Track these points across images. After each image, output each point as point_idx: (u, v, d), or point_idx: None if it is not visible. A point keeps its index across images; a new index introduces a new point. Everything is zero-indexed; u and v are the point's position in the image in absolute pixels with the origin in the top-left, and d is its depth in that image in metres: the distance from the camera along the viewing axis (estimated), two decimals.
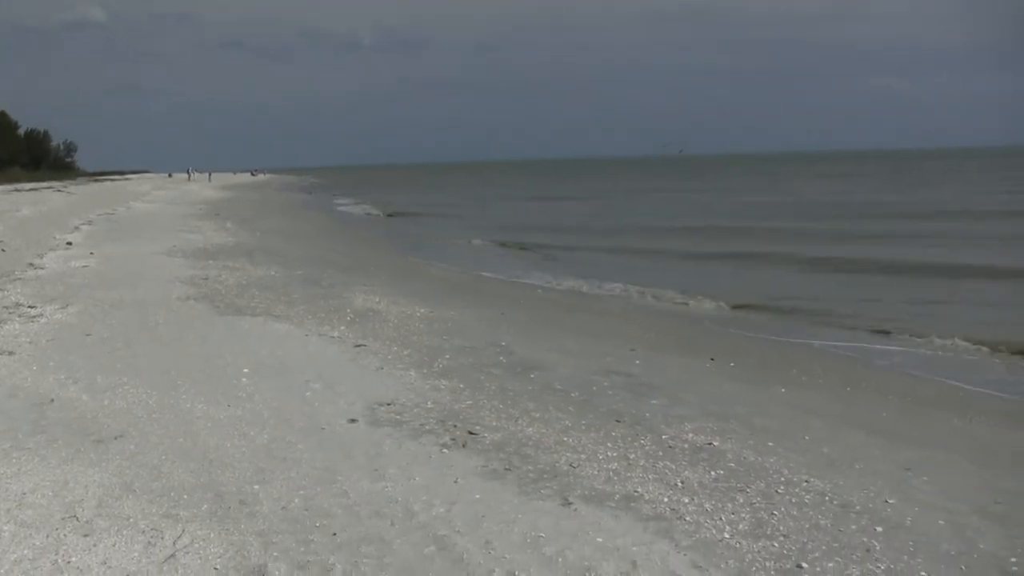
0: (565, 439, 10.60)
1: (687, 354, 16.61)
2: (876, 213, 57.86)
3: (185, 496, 8.62)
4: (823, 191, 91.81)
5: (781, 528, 8.22)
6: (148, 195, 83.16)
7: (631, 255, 37.34)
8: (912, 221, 49.47)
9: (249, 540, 7.66)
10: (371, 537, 7.77)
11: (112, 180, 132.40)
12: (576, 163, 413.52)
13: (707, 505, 8.70)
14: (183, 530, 7.83)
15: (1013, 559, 7.77)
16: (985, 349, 18.09)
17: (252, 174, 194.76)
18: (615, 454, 10.12)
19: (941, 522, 8.55)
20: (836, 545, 7.90)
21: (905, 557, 7.71)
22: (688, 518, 8.36)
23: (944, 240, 39.23)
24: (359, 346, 15.41)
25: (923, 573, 7.42)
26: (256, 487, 8.88)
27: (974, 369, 16.60)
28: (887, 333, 20.06)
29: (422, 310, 19.57)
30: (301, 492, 8.77)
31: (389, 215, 65.99)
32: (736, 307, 23.99)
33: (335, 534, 7.82)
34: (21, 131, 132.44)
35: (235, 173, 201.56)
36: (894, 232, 43.78)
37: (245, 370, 13.51)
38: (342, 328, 17.06)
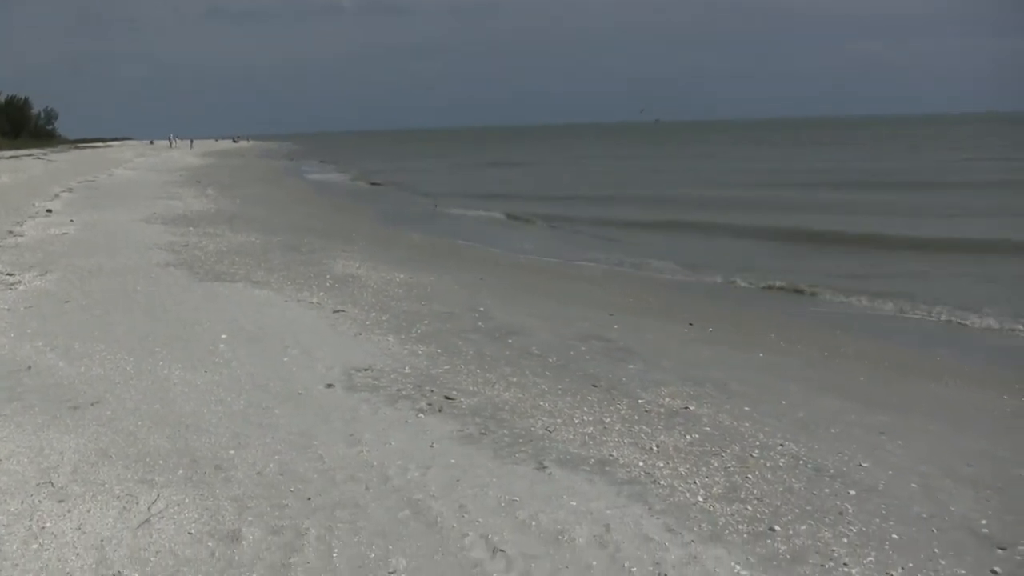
0: (541, 403, 10.63)
1: (665, 319, 16.63)
2: (857, 181, 57.93)
3: (160, 461, 8.63)
4: (803, 157, 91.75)
5: (755, 491, 8.26)
6: (129, 162, 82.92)
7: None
8: (887, 191, 49.44)
9: (224, 505, 7.69)
10: (346, 502, 7.79)
11: (93, 147, 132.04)
12: (558, 128, 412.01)
13: (682, 469, 8.74)
14: (158, 495, 7.85)
15: (983, 521, 7.82)
16: (960, 318, 18.16)
17: (234, 141, 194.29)
18: (591, 418, 10.15)
19: (913, 485, 8.60)
20: (809, 508, 7.95)
21: (877, 520, 7.76)
22: (662, 482, 8.40)
23: (924, 210, 39.20)
24: (338, 312, 15.42)
25: (894, 536, 7.46)
26: (232, 452, 8.90)
27: (949, 337, 16.65)
28: (865, 301, 20.10)
29: (401, 276, 19.57)
30: (277, 457, 8.79)
31: (372, 183, 65.78)
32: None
33: (310, 499, 7.84)
34: (0, 98, 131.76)
35: (217, 140, 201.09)
36: (876, 202, 43.75)
37: (223, 336, 13.52)
38: (321, 294, 17.06)
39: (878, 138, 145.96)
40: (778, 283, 21.76)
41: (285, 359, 12.38)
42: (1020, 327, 17.00)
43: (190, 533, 7.16)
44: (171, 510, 7.57)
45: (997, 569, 6.95)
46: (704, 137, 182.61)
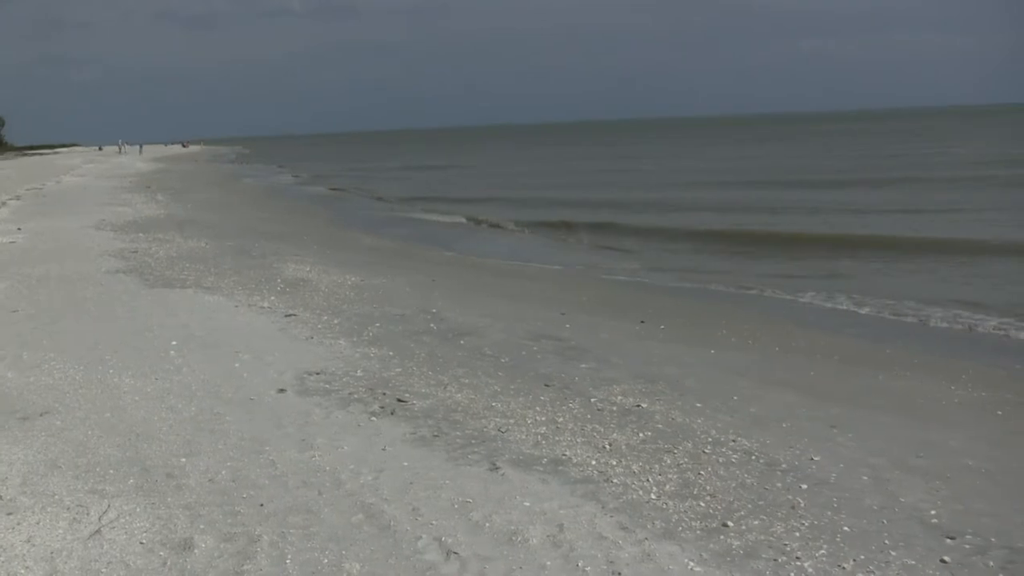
0: (494, 404, 10.63)
1: (617, 317, 16.67)
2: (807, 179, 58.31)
3: (111, 471, 8.57)
4: (749, 155, 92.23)
5: (708, 488, 8.29)
6: (78, 169, 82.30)
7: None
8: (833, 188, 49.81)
9: (176, 513, 7.64)
10: (298, 507, 7.76)
11: (41, 154, 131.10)
12: (504, 129, 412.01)
13: (635, 467, 8.75)
14: (109, 505, 7.79)
15: (933, 511, 7.88)
16: (909, 309, 18.36)
17: (183, 145, 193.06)
18: (544, 418, 10.16)
19: (864, 477, 8.66)
20: (762, 503, 7.98)
21: (829, 513, 7.81)
22: (616, 480, 8.41)
23: (863, 208, 39.47)
24: (289, 316, 15.37)
25: (846, 528, 7.51)
26: (183, 460, 8.84)
27: (899, 329, 16.80)
28: (817, 295, 20.27)
29: (353, 278, 19.52)
30: (229, 464, 8.75)
31: (322, 186, 65.54)
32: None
33: (262, 505, 7.81)
34: None
35: (166, 145, 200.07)
36: (837, 199, 44.07)
37: (174, 343, 13.45)
38: (272, 298, 17.00)
39: (828, 134, 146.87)
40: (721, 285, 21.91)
41: (236, 364, 12.32)
42: (965, 316, 17.19)
43: (142, 543, 7.11)
44: (122, 520, 7.51)
45: (946, 558, 7.00)
46: (664, 135, 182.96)
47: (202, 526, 7.40)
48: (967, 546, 7.24)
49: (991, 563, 6.97)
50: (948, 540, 7.33)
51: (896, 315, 17.95)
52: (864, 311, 18.50)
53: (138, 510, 7.71)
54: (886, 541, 7.28)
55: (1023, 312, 17.54)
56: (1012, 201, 38.51)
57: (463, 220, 39.25)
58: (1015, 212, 35.12)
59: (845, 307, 18.89)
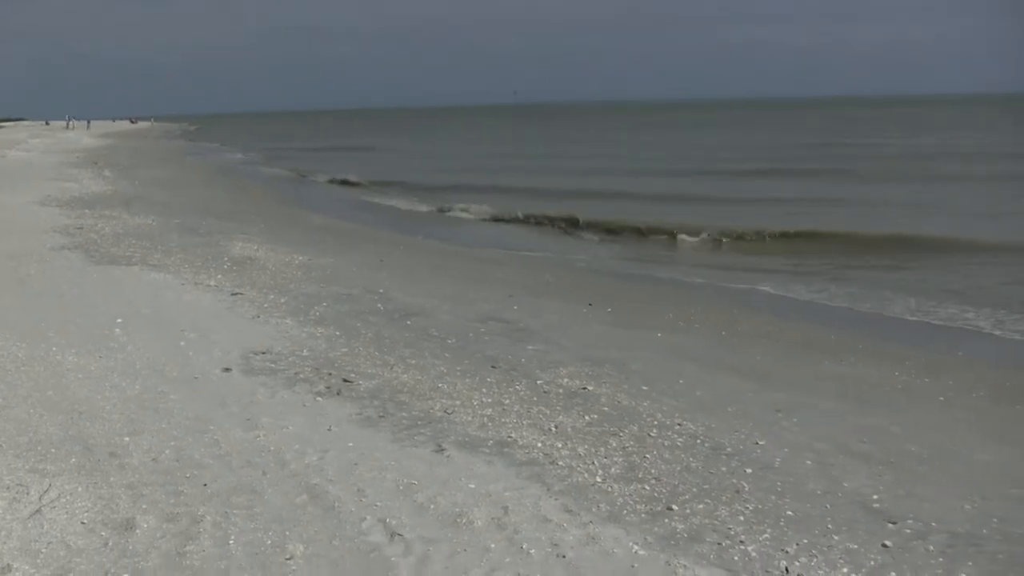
0: (440, 385, 10.62)
1: (565, 299, 16.68)
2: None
3: (53, 450, 8.49)
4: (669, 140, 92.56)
5: (653, 471, 8.32)
6: (23, 143, 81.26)
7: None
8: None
9: (118, 493, 7.58)
10: (242, 487, 7.73)
11: None
12: (438, 110, 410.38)
13: (580, 450, 8.77)
14: (50, 484, 7.72)
15: (875, 496, 7.96)
16: (852, 295, 18.52)
17: (132, 122, 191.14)
18: (490, 400, 10.16)
19: (808, 462, 8.71)
20: (707, 487, 8.02)
21: (773, 497, 7.86)
22: (561, 463, 8.43)
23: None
24: (235, 294, 15.28)
25: (789, 512, 7.56)
26: (127, 439, 8.78)
27: (843, 316, 16.92)
28: (762, 279, 20.41)
29: (300, 258, 19.45)
30: (172, 443, 8.69)
31: (271, 165, 65.18)
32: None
33: (206, 485, 7.77)
34: None
35: (114, 121, 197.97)
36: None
37: (119, 320, 13.33)
38: (219, 277, 16.90)
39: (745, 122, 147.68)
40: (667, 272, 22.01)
41: (182, 343, 12.24)
42: (911, 304, 17.34)
43: (83, 523, 7.05)
44: (63, 500, 7.44)
45: (888, 543, 7.06)
46: (600, 120, 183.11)
47: (144, 506, 7.35)
48: (908, 531, 7.30)
49: (931, 547, 7.04)
50: (890, 525, 7.40)
51: (839, 302, 18.07)
52: (807, 297, 18.61)
53: (80, 489, 7.64)
54: (829, 525, 7.34)
55: (966, 300, 17.68)
56: (945, 195, 38.74)
57: (401, 203, 39.00)
58: (947, 204, 35.32)
59: (790, 294, 18.98)
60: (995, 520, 7.62)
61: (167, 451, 8.49)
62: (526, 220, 32.21)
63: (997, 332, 15.52)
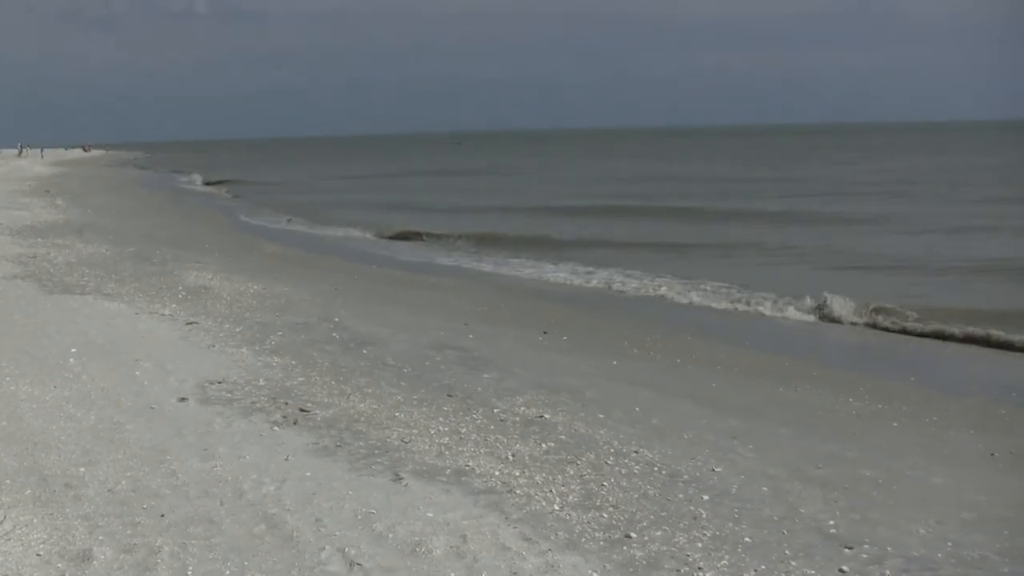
0: (397, 414, 10.61)
1: (520, 327, 16.73)
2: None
3: (8, 481, 8.41)
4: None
5: (610, 499, 8.35)
6: None
7: None
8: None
9: (74, 524, 7.53)
10: (200, 517, 7.70)
11: None
12: (401, 139, 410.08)
13: (538, 478, 8.79)
14: (4, 516, 7.64)
15: (831, 521, 8.03)
16: (808, 320, 18.68)
17: (84, 150, 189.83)
18: (447, 428, 10.17)
19: (764, 488, 8.78)
20: (664, 514, 8.06)
21: (730, 524, 7.91)
22: (519, 491, 8.45)
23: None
24: (191, 324, 15.21)
25: (747, 539, 7.61)
26: (82, 470, 8.72)
27: (798, 341, 17.05)
28: (716, 304, 20.55)
29: (255, 286, 19.38)
30: (129, 473, 8.64)
31: (225, 192, 64.93)
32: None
33: (163, 515, 7.73)
34: None
35: (67, 149, 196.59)
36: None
37: (73, 350, 13.24)
38: (173, 306, 16.82)
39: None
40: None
41: (137, 373, 12.17)
42: (863, 328, 17.50)
43: (38, 555, 7.00)
44: (18, 531, 7.38)
45: (845, 568, 7.13)
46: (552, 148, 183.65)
47: (101, 537, 7.31)
48: (864, 555, 7.38)
49: (887, 572, 7.12)
50: (846, 550, 7.47)
51: (796, 327, 18.23)
52: (763, 323, 18.73)
53: (35, 521, 7.58)
54: (786, 551, 7.39)
55: (913, 323, 17.82)
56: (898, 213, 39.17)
57: (356, 231, 38.88)
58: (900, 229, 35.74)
59: (744, 320, 19.09)
60: (949, 544, 7.71)
61: (123, 482, 8.44)
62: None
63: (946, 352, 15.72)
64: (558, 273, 26.12)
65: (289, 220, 42.77)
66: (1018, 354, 15.54)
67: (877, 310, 18.75)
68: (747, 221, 38.51)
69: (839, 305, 19.04)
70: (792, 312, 19.47)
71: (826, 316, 18.96)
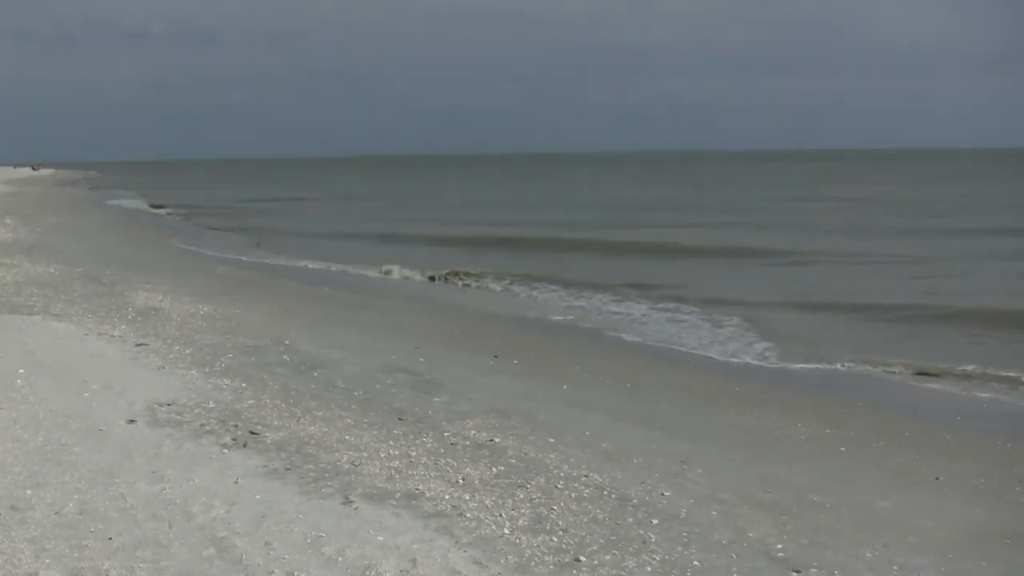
0: (347, 438, 10.60)
1: (471, 351, 16.75)
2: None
3: None
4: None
5: (560, 523, 8.38)
6: None
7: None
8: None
9: (20, 548, 7.48)
10: (148, 541, 7.66)
11: None
12: (349, 159, 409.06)
13: (488, 501, 8.81)
14: None
15: (779, 545, 8.10)
16: (757, 344, 18.76)
17: (33, 168, 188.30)
18: (397, 452, 10.17)
19: (714, 512, 8.84)
20: (614, 538, 8.10)
21: (679, 548, 7.96)
22: (469, 515, 8.46)
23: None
24: (140, 345, 15.14)
25: (696, 563, 7.66)
26: (29, 492, 8.66)
27: (747, 367, 17.12)
28: (666, 331, 20.65)
29: (205, 308, 19.32)
30: (76, 496, 8.59)
31: (175, 213, 64.55)
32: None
33: (111, 538, 7.69)
34: None
35: (15, 167, 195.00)
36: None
37: (20, 371, 13.14)
38: (123, 327, 16.73)
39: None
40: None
41: (86, 394, 12.09)
42: (812, 353, 17.60)
43: None
44: None
45: None
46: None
47: (48, 560, 7.26)
48: None
49: None
50: (794, 573, 7.56)
51: (744, 351, 18.30)
52: (712, 348, 18.79)
53: None
54: (735, 575, 7.43)
55: (860, 352, 17.92)
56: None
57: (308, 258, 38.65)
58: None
59: (693, 347, 19.15)
60: (895, 567, 7.80)
61: (71, 504, 8.40)
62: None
63: (895, 379, 15.85)
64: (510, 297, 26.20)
65: (258, 244, 42.31)
66: (966, 383, 15.62)
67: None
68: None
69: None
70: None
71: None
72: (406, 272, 30.30)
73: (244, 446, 10.18)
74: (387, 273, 30.63)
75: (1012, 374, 15.84)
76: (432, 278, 29.38)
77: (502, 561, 7.52)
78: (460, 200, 78.51)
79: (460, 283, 28.76)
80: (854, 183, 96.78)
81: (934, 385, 15.55)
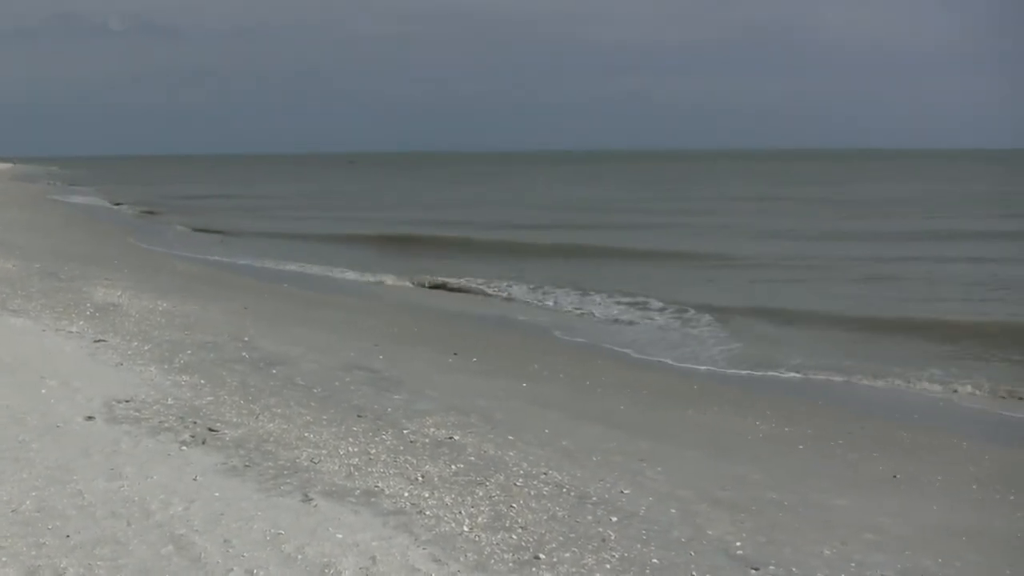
0: (306, 435, 10.59)
1: (431, 348, 16.74)
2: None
3: None
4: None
5: (519, 520, 8.40)
6: None
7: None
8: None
9: None
10: (106, 538, 7.64)
11: None
12: (315, 157, 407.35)
13: (447, 499, 8.82)
14: None
15: (738, 543, 8.16)
16: (717, 346, 18.82)
17: None
18: (356, 449, 10.17)
19: (673, 510, 8.87)
20: (573, 536, 8.13)
21: (638, 545, 7.99)
22: (428, 512, 8.47)
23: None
24: (98, 341, 15.06)
25: (655, 560, 7.70)
26: None
27: (706, 365, 17.17)
28: (625, 325, 20.71)
29: (164, 304, 19.22)
30: (33, 493, 8.55)
31: (136, 210, 64.18)
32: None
33: (69, 536, 7.66)
34: None
35: None
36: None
37: None
38: (81, 323, 16.64)
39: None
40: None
41: (43, 391, 12.03)
42: (772, 355, 17.66)
43: None
44: None
45: None
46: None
47: (4, 559, 7.23)
48: None
49: None
50: (752, 571, 7.60)
51: (705, 347, 18.38)
52: (672, 345, 18.84)
53: None
54: (694, 573, 7.50)
55: (818, 355, 17.99)
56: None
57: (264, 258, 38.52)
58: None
59: (650, 344, 19.20)
60: (853, 565, 7.87)
61: (28, 502, 8.35)
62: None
63: (853, 380, 15.91)
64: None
65: (222, 240, 42.08)
66: (924, 384, 15.68)
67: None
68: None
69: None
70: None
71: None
72: (368, 275, 30.20)
73: (203, 443, 10.15)
74: (359, 274, 30.60)
75: (968, 378, 15.88)
76: (393, 278, 29.30)
77: (461, 559, 7.54)
78: (435, 198, 78.12)
79: (423, 284, 28.69)
80: (816, 184, 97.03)
81: (892, 385, 15.63)
